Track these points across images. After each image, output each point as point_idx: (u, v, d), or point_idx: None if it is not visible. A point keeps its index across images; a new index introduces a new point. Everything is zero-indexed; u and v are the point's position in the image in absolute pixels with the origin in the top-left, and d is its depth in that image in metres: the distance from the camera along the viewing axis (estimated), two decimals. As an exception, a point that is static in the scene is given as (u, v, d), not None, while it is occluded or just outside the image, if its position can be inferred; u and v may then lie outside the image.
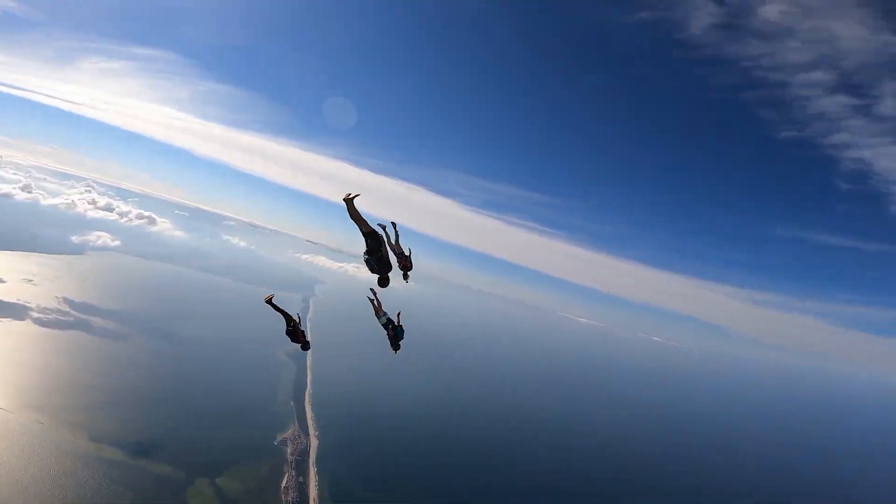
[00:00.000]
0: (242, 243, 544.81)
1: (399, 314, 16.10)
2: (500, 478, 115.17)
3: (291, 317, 15.40)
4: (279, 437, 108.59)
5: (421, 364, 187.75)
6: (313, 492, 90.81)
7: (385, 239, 12.40)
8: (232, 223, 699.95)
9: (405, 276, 13.97)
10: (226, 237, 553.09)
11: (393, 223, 13.53)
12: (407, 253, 13.97)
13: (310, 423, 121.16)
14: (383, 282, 12.87)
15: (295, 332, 15.60)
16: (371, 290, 15.21)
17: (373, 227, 11.86)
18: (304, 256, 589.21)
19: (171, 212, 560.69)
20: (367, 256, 12.23)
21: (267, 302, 14.32)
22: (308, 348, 16.52)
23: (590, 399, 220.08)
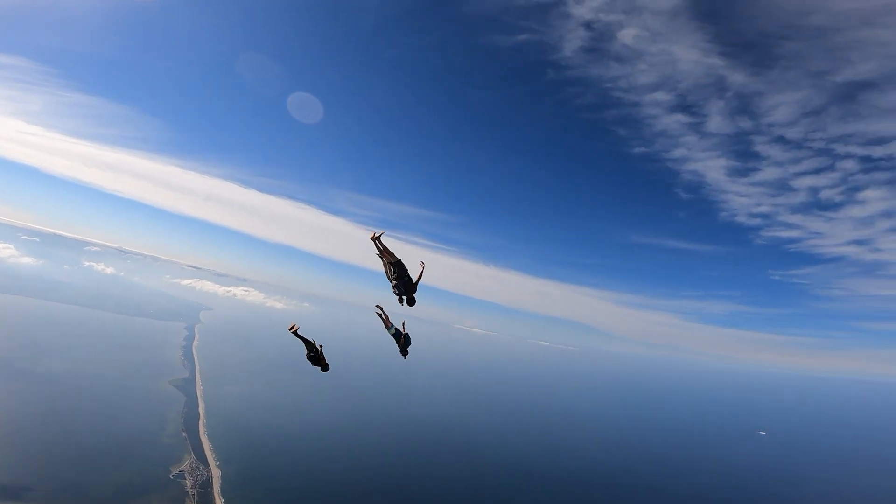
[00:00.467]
0: (109, 270, 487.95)
1: (404, 323, 17.12)
2: (407, 490, 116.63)
3: (314, 344, 16.47)
4: (174, 470, 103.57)
5: (320, 385, 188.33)
6: None
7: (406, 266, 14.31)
8: (96, 248, 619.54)
9: (412, 301, 14.73)
10: (88, 263, 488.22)
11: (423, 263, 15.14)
12: (419, 272, 14.89)
13: (208, 453, 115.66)
14: (411, 301, 14.52)
15: (317, 357, 16.67)
16: (377, 305, 16.48)
17: (399, 258, 13.85)
18: (186, 282, 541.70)
19: (16, 237, 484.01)
20: (395, 282, 14.11)
21: (291, 331, 15.64)
22: (328, 370, 17.39)
23: (483, 403, 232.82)
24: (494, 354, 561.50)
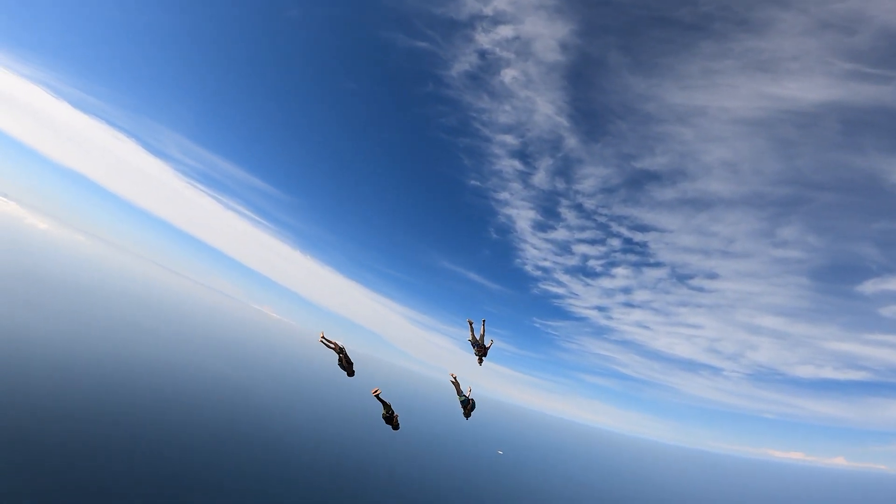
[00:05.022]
0: None
1: (470, 389, 19.12)
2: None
3: (391, 407, 18.12)
4: None
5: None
6: None
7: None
8: None
9: (480, 361, 18.57)
10: None
11: (483, 321, 18.52)
12: (488, 345, 18.30)
13: None
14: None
15: (391, 418, 18.15)
16: (452, 374, 18.71)
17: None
18: None
19: None
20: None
21: (374, 395, 17.60)
22: (397, 429, 18.82)
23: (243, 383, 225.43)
24: (287, 342, 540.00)
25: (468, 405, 18.45)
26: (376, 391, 17.28)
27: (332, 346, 17.24)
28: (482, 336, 18.21)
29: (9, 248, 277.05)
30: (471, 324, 18.42)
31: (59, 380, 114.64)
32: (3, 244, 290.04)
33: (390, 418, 17.89)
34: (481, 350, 18.10)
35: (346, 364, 17.42)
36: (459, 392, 18.42)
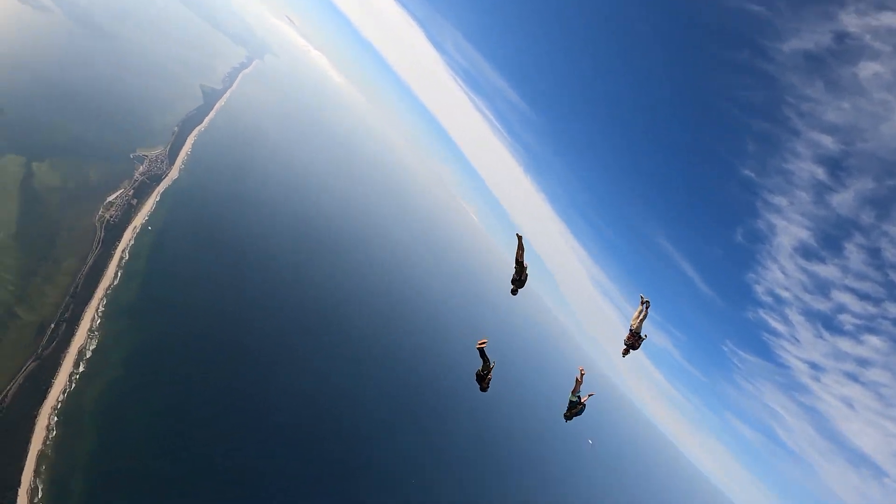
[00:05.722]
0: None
1: (591, 395, 18.24)
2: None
3: (490, 365, 16.01)
4: (139, 152, 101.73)
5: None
6: (139, 219, 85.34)
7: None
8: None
9: (626, 352, 16.45)
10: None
11: (647, 302, 16.13)
12: (643, 336, 16.08)
13: (182, 156, 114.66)
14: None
15: (484, 378, 16.29)
16: (580, 369, 17.75)
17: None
18: (274, 20, 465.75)
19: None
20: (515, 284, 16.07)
21: (478, 346, 15.44)
22: (485, 391, 17.19)
23: None
24: (478, 250, 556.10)
25: (576, 408, 17.26)
26: (483, 343, 15.19)
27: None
28: (641, 322, 15.76)
29: (313, 91, 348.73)
30: (645, 303, 15.87)
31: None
32: (309, 85, 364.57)
33: (483, 377, 16.11)
34: (634, 339, 15.77)
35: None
36: (576, 391, 17.25)
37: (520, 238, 15.03)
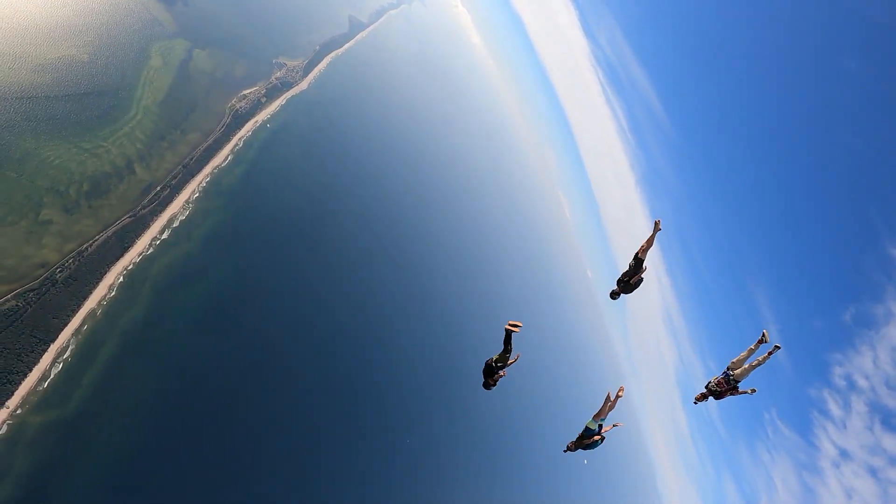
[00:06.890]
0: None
1: (615, 426, 14.44)
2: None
3: (509, 359, 13.60)
4: (280, 59, 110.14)
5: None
6: (262, 116, 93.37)
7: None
8: None
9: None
10: None
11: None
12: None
13: (315, 72, 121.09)
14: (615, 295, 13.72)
15: (494, 372, 13.76)
16: (620, 387, 13.88)
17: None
18: None
19: None
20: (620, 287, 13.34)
21: (508, 326, 12.88)
22: (488, 389, 14.51)
23: None
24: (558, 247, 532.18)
25: (589, 439, 13.66)
26: (515, 326, 12.46)
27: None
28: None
29: (449, 45, 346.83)
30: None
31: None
32: (447, 39, 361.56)
33: (494, 371, 13.44)
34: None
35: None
36: (601, 415, 13.41)
37: (657, 224, 12.03)
